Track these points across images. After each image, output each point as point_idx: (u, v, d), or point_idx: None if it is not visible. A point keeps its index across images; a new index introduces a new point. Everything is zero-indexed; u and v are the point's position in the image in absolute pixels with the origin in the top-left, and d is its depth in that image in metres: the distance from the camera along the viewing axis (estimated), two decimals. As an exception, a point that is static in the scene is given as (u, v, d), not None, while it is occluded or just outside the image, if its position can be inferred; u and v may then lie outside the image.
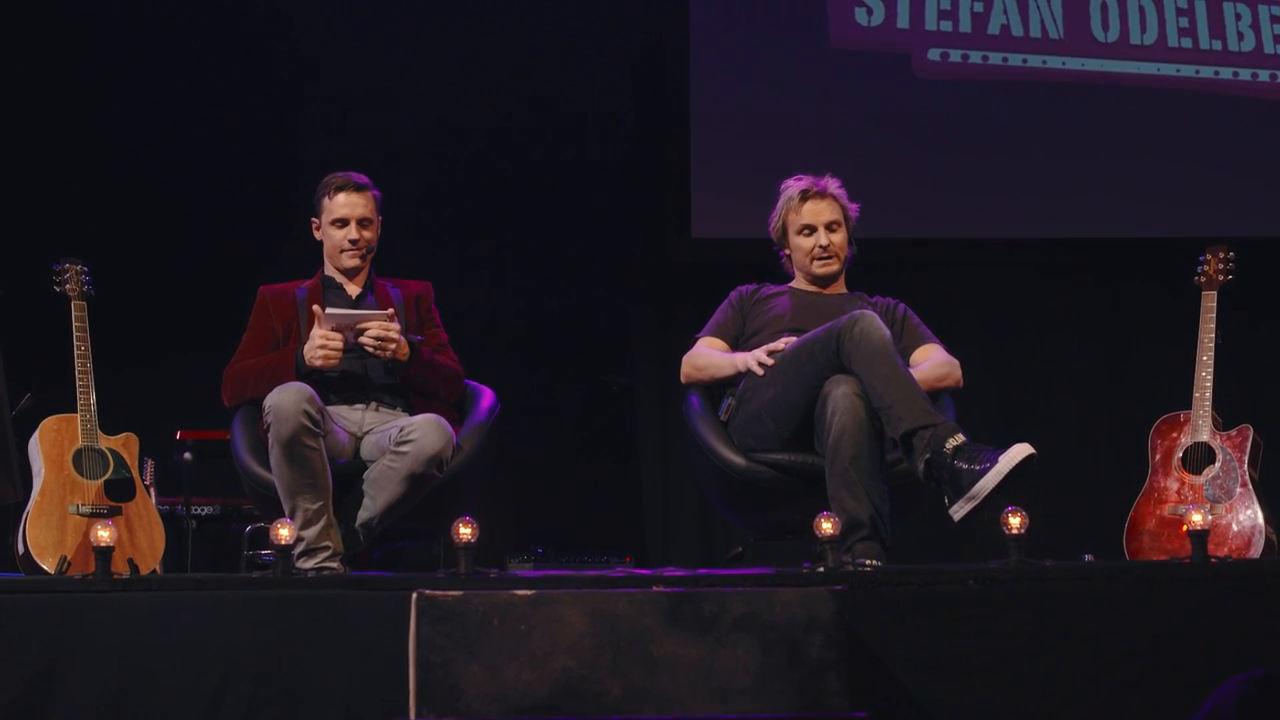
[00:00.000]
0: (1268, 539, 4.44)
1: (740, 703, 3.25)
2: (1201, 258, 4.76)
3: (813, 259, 4.59)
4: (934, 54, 6.52)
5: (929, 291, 5.62)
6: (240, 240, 6.35)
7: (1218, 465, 4.56)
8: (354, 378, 4.38)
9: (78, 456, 4.48)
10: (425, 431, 4.09)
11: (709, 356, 4.52)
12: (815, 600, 3.31)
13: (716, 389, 4.54)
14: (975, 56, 6.53)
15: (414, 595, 3.30)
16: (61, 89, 6.40)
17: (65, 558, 4.30)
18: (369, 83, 6.54)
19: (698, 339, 4.61)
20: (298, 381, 4.13)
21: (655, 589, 3.41)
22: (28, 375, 4.85)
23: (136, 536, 4.47)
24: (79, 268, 4.64)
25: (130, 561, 4.37)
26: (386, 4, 6.59)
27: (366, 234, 4.48)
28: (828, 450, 4.01)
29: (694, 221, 6.47)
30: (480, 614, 3.27)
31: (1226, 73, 6.51)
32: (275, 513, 4.09)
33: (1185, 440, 4.62)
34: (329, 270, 4.54)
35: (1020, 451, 3.76)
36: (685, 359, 4.58)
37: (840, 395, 4.01)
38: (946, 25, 6.54)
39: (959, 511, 3.82)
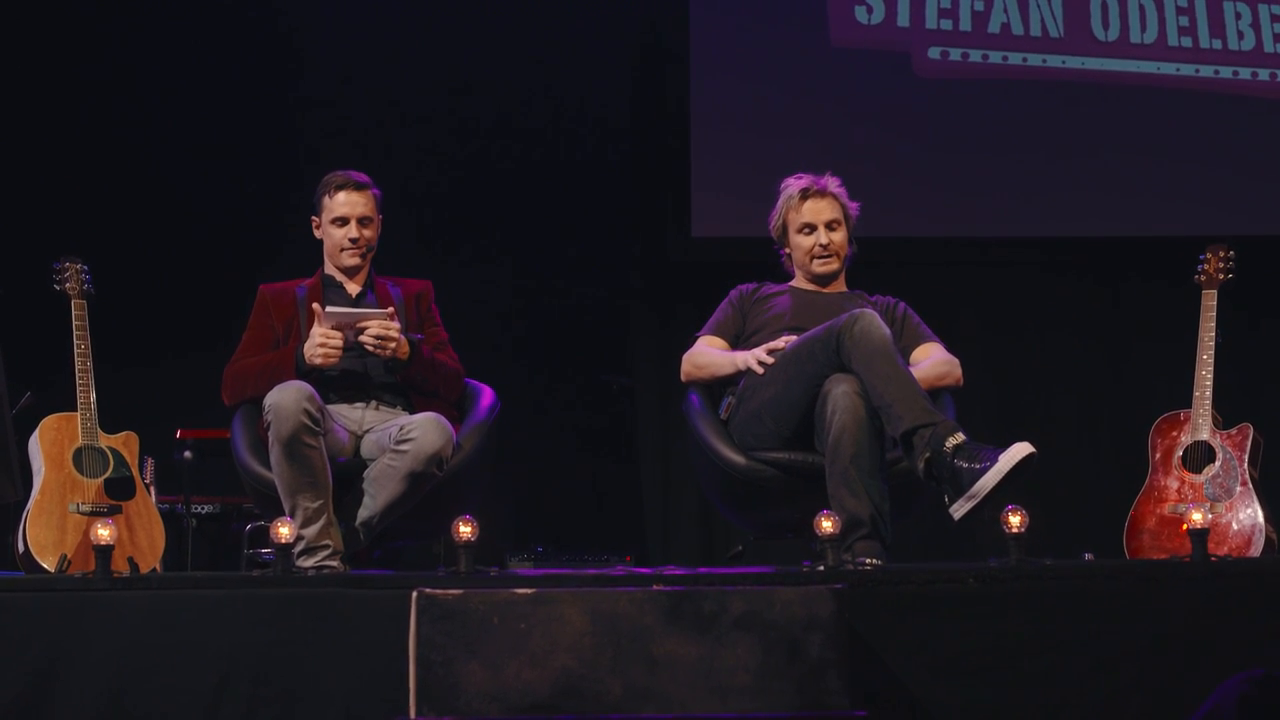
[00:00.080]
0: (1268, 538, 4.44)
1: (740, 701, 3.25)
2: (1202, 256, 4.76)
3: (813, 258, 4.58)
4: (934, 53, 6.52)
5: (929, 290, 5.61)
6: (240, 240, 6.36)
7: (1218, 464, 4.56)
8: (354, 376, 4.38)
9: (78, 455, 4.48)
10: (425, 430, 4.09)
11: (709, 355, 4.52)
12: (815, 599, 3.31)
13: (717, 388, 4.54)
14: (975, 55, 6.54)
15: (414, 594, 3.30)
16: (62, 88, 6.40)
17: (65, 556, 4.30)
18: (369, 82, 6.54)
19: (698, 338, 4.61)
20: (298, 380, 4.13)
21: (655, 588, 3.41)
22: (28, 374, 4.84)
23: (136, 535, 4.47)
24: (79, 266, 4.64)
25: (130, 560, 4.37)
26: (387, 4, 6.59)
27: (367, 233, 4.47)
28: (828, 449, 4.01)
29: (694, 221, 6.47)
30: (480, 613, 3.27)
31: (1226, 72, 6.51)
32: (275, 511, 4.09)
33: (1185, 439, 4.62)
34: (329, 269, 4.54)
35: (1020, 450, 3.76)
36: (685, 358, 4.58)
37: (840, 394, 4.01)
38: (947, 24, 6.54)
39: (959, 510, 3.82)
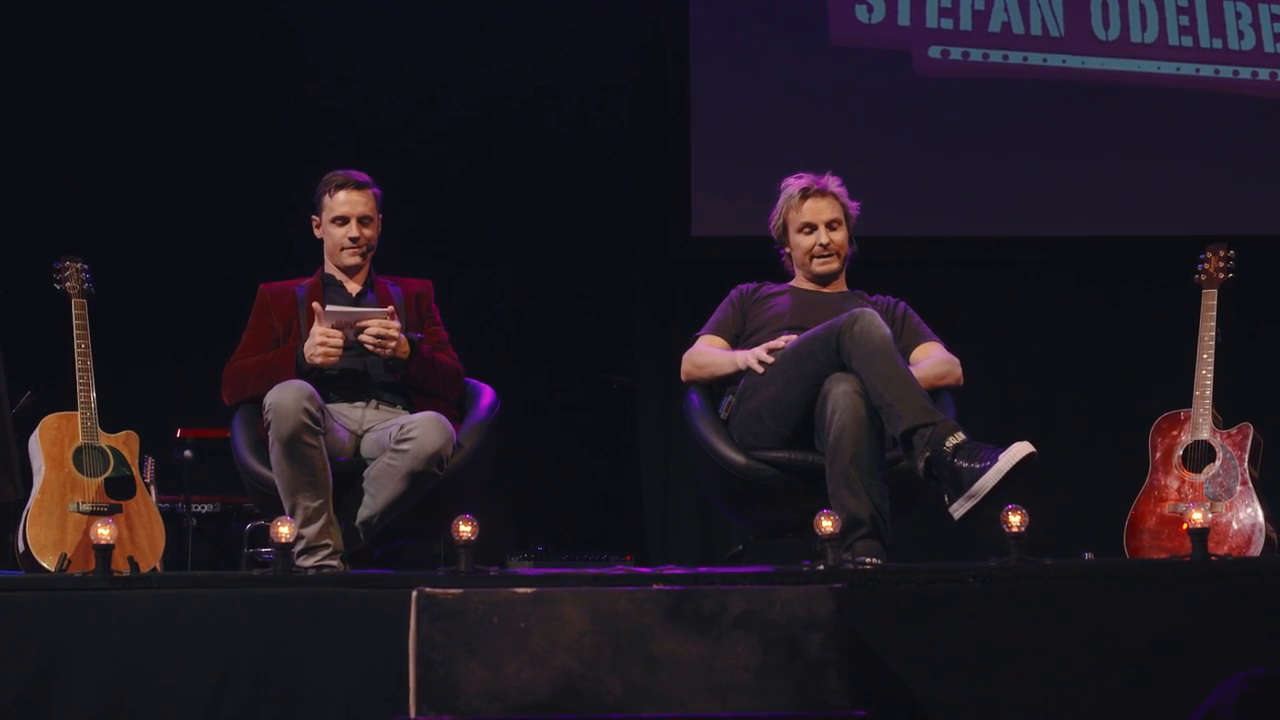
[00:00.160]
0: (1268, 537, 4.44)
1: (740, 701, 3.24)
2: (1202, 256, 4.76)
3: (813, 257, 4.59)
4: (934, 52, 6.52)
5: (929, 290, 5.62)
6: (240, 240, 6.35)
7: (1218, 463, 4.56)
8: (354, 375, 4.38)
9: (78, 454, 4.48)
10: (425, 429, 4.09)
11: (709, 354, 4.52)
12: (815, 598, 3.31)
13: (717, 387, 4.54)
14: (976, 54, 6.54)
15: (414, 593, 3.30)
16: (62, 88, 6.40)
17: (65, 555, 4.30)
18: (369, 82, 6.55)
19: (698, 337, 4.61)
20: (298, 379, 4.13)
21: (655, 587, 3.41)
22: (28, 373, 4.84)
23: (137, 534, 4.47)
24: (79, 265, 4.64)
25: (130, 559, 4.37)
26: (387, 5, 6.59)
27: (367, 232, 4.48)
28: (828, 448, 4.01)
29: (694, 220, 6.47)
30: (480, 612, 3.27)
31: (1227, 71, 6.51)
32: (275, 510, 4.09)
33: (1185, 438, 4.62)
34: (329, 268, 4.54)
35: (1020, 450, 3.76)
36: (685, 357, 4.58)
37: (840, 393, 4.01)
38: (947, 23, 6.54)
39: (959, 510, 3.82)
